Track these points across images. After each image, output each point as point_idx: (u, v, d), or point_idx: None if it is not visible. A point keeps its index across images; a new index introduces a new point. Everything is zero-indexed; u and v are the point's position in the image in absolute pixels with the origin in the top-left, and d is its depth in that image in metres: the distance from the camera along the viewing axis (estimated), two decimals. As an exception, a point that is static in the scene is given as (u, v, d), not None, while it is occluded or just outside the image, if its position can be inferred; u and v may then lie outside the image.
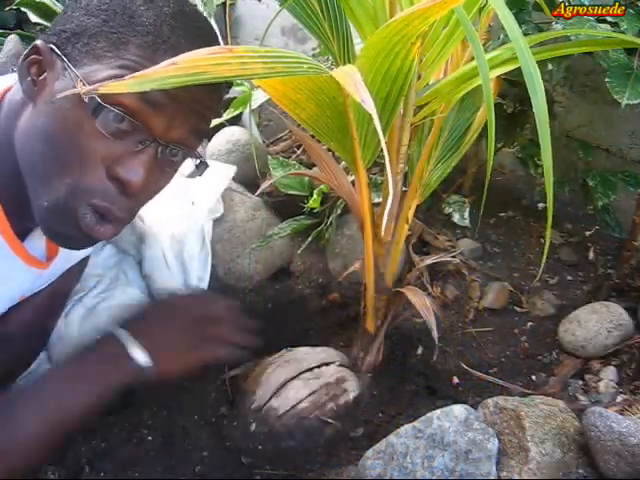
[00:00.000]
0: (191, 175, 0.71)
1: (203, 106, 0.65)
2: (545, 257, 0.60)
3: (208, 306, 0.83)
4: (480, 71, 0.56)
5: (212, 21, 1.56)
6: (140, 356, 0.70)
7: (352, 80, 0.53)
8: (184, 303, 0.80)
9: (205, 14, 1.40)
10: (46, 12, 1.42)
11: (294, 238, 1.31)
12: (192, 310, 0.80)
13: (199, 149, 0.70)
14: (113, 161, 0.61)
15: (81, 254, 0.91)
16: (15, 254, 0.73)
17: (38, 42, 0.63)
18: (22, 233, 0.75)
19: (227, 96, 0.76)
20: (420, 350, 1.09)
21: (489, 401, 0.85)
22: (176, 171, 0.69)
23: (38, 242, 0.78)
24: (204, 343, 0.79)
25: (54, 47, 0.62)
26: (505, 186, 1.51)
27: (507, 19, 0.55)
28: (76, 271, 0.97)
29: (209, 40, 0.66)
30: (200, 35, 0.65)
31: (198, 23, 0.66)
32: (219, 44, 0.69)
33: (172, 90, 0.56)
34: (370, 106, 0.49)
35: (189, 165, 0.71)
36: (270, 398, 0.92)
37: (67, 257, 0.86)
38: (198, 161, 0.70)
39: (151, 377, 0.71)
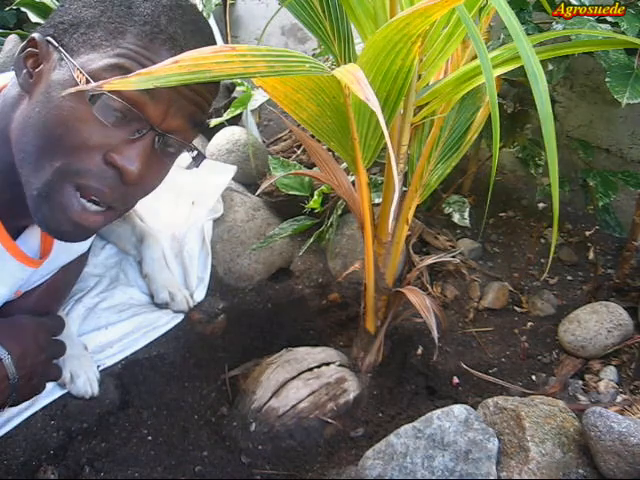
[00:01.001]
0: (189, 167, 0.71)
1: (199, 95, 0.65)
2: (552, 254, 0.59)
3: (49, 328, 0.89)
4: (483, 69, 0.56)
5: (212, 20, 1.56)
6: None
7: (355, 78, 0.52)
8: (35, 321, 0.85)
9: (204, 14, 1.40)
10: (46, 12, 1.43)
11: (294, 238, 1.30)
12: (40, 326, 0.85)
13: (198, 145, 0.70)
14: (109, 149, 0.61)
15: (77, 251, 0.91)
16: (8, 252, 0.73)
17: (35, 35, 0.63)
18: (16, 231, 0.75)
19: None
20: (420, 350, 1.09)
21: (489, 401, 0.85)
22: (173, 163, 0.69)
23: (32, 240, 0.78)
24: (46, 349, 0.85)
25: (51, 39, 0.62)
26: (505, 186, 1.51)
27: (508, 17, 0.55)
28: (75, 268, 0.97)
29: (205, 34, 0.66)
30: (197, 28, 0.65)
31: (194, 16, 0.66)
32: (215, 38, 0.69)
33: None
34: (375, 104, 0.48)
35: (187, 158, 0.71)
36: (270, 398, 0.92)
37: (61, 254, 0.85)
38: (195, 153, 0.69)
39: (11, 366, 0.74)
